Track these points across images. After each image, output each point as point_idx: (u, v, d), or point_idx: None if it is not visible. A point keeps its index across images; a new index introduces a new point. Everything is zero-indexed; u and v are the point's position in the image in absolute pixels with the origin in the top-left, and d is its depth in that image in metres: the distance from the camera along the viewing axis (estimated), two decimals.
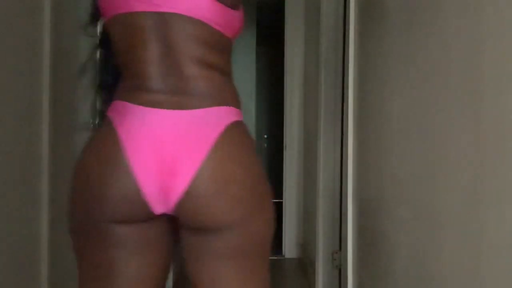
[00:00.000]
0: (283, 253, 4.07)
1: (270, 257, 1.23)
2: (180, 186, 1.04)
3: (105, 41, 1.24)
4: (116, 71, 1.22)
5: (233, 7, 1.12)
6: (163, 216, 1.10)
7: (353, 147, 1.90)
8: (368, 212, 1.73)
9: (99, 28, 1.26)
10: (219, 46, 1.12)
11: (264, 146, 6.72)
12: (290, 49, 4.11)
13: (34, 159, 1.52)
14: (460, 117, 1.02)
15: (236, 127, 1.10)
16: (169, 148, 1.05)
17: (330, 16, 2.56)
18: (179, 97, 1.09)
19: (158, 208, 1.06)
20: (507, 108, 0.84)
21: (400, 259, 1.37)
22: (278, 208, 3.92)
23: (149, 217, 1.08)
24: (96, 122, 2.15)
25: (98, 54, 1.42)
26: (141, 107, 1.07)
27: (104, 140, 1.08)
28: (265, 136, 6.79)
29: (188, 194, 1.04)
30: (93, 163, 1.07)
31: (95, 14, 1.21)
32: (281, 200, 4.05)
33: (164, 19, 1.09)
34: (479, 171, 0.94)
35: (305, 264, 3.64)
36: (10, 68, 1.35)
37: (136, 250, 1.09)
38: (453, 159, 1.05)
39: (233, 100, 1.15)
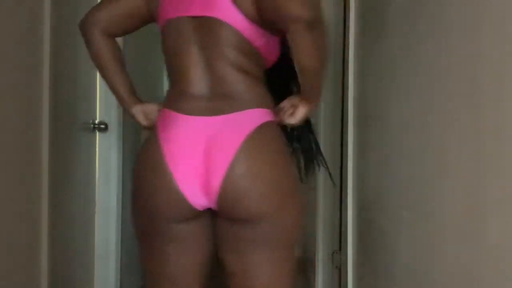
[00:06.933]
0: None
1: None
2: (215, 183, 1.17)
3: None
4: None
5: (263, 26, 1.22)
6: (207, 211, 1.25)
7: (353, 147, 1.90)
8: (368, 212, 1.73)
9: None
10: (250, 53, 1.24)
11: None
12: None
13: (34, 159, 1.52)
14: (460, 117, 1.02)
15: (265, 128, 1.21)
16: (203, 152, 1.18)
17: (330, 17, 2.56)
18: (216, 101, 1.22)
19: (200, 205, 1.21)
20: (507, 109, 0.84)
21: (400, 259, 1.37)
22: None
23: (195, 214, 1.23)
24: (96, 122, 2.15)
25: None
26: (181, 116, 1.22)
27: (150, 151, 1.24)
28: None
29: (222, 190, 1.17)
30: (143, 172, 1.25)
31: None
32: None
33: (202, 24, 1.22)
34: (479, 171, 0.94)
35: (305, 264, 3.64)
36: (10, 68, 1.35)
37: (186, 243, 1.27)
38: (453, 159, 1.05)
39: (266, 102, 1.26)
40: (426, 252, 1.19)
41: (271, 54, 1.30)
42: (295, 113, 1.29)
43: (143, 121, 1.35)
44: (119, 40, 2.33)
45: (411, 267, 1.29)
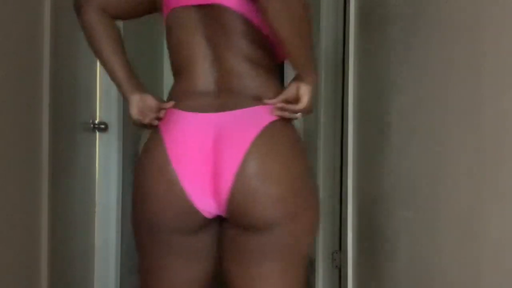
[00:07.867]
0: None
1: None
2: (224, 186, 1.06)
3: None
4: None
5: None
6: (215, 220, 1.14)
7: (353, 147, 1.90)
8: (368, 212, 1.73)
9: None
10: (259, 42, 1.13)
11: None
12: None
13: (34, 159, 1.52)
14: (461, 116, 1.02)
15: (276, 125, 1.10)
16: (211, 153, 1.08)
17: (330, 16, 2.56)
18: (224, 97, 1.12)
19: (209, 212, 1.11)
20: (507, 108, 0.84)
21: (400, 259, 1.37)
22: None
23: (203, 223, 1.12)
24: (96, 122, 2.15)
25: None
26: (186, 114, 1.11)
27: (153, 154, 1.12)
28: None
29: (232, 193, 1.06)
30: (145, 177, 1.12)
31: None
32: None
33: (207, 13, 1.12)
34: (479, 171, 0.94)
35: None
36: (10, 68, 1.35)
37: (191, 257, 1.15)
38: (454, 159, 1.05)
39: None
40: (426, 252, 1.19)
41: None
42: (301, 96, 1.11)
43: (135, 115, 1.19)
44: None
45: (411, 267, 1.29)
